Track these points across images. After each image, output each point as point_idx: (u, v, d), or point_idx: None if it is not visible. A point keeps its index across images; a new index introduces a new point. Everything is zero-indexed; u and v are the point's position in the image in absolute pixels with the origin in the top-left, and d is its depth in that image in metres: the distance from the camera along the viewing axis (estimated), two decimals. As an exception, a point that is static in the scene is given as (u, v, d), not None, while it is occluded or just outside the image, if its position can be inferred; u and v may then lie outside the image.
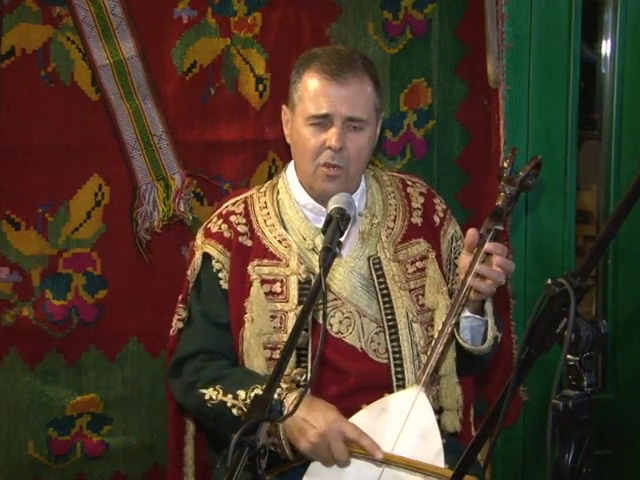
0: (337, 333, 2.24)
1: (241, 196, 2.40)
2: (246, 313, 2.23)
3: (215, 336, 2.27)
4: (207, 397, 2.18)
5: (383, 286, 2.27)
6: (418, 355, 2.24)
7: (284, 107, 2.35)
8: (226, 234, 2.31)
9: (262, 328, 2.22)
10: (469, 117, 2.86)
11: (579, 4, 2.90)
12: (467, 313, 2.19)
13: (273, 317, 2.24)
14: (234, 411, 2.13)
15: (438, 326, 2.21)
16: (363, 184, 2.36)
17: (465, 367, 2.31)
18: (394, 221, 2.35)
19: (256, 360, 2.21)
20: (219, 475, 2.32)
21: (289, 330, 2.20)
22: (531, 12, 2.86)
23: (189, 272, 2.33)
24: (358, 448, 2.02)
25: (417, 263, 2.33)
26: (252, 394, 2.11)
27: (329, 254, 1.84)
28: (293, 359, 2.17)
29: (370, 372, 2.23)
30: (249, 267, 2.27)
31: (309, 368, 2.19)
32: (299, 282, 2.24)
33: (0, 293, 2.56)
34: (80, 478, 2.69)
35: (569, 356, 1.48)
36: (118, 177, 2.60)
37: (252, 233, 2.31)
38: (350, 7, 2.72)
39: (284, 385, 2.11)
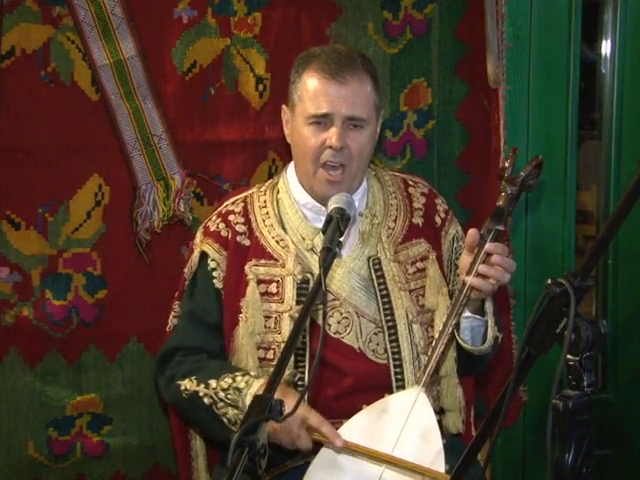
0: (335, 333, 2.24)
1: (241, 195, 2.40)
2: (241, 312, 2.24)
3: (199, 334, 2.29)
4: (182, 388, 2.21)
5: (383, 287, 2.27)
6: (418, 356, 2.24)
7: (284, 107, 2.35)
8: (223, 233, 2.31)
9: (255, 328, 2.23)
10: (469, 117, 2.86)
11: (579, 4, 2.90)
12: (467, 313, 2.19)
13: (267, 317, 2.24)
14: (205, 400, 2.16)
15: (438, 327, 2.21)
16: (364, 184, 2.36)
17: (465, 367, 2.31)
18: (395, 221, 2.35)
19: (247, 360, 2.22)
20: (218, 476, 2.32)
21: (283, 331, 2.21)
22: (531, 12, 2.86)
23: (186, 269, 2.36)
24: (320, 436, 2.04)
25: (417, 264, 2.33)
26: (222, 383, 2.14)
27: (329, 254, 1.84)
28: (291, 359, 2.17)
29: (369, 372, 2.23)
30: (246, 267, 2.27)
31: (307, 368, 2.20)
32: (295, 283, 2.24)
33: (0, 293, 2.56)
34: (80, 478, 2.69)
35: (569, 356, 1.48)
36: (118, 177, 2.60)
37: (251, 232, 2.31)
38: (350, 7, 2.72)
39: (253, 373, 2.14)
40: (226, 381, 2.15)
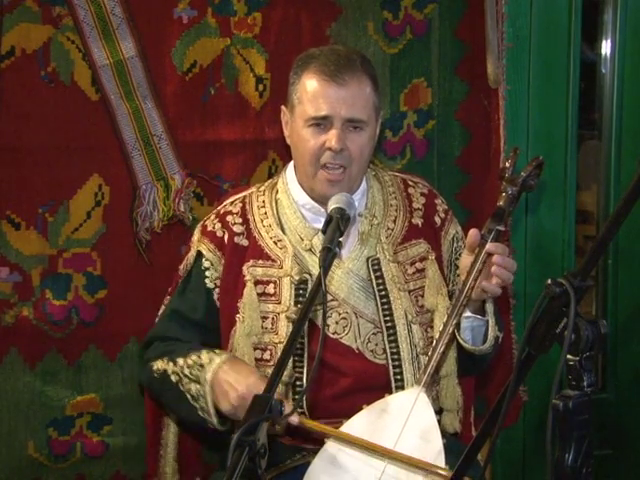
0: (333, 334, 2.24)
1: (240, 195, 2.40)
2: (238, 313, 2.24)
3: (180, 328, 2.32)
4: (155, 368, 2.26)
5: (381, 287, 2.27)
6: (417, 356, 2.24)
7: (283, 108, 2.35)
8: (219, 234, 2.32)
9: (252, 329, 2.23)
10: (469, 117, 2.86)
11: (579, 4, 2.90)
12: (468, 313, 2.19)
13: (264, 318, 2.24)
14: (172, 378, 2.20)
15: (438, 327, 2.21)
16: (364, 184, 2.36)
17: (466, 367, 2.31)
18: (394, 222, 2.35)
19: (244, 360, 2.21)
20: (217, 477, 2.32)
21: (280, 332, 2.22)
22: (531, 12, 2.86)
23: (181, 266, 2.37)
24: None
25: (417, 264, 2.32)
26: (188, 360, 2.18)
27: (329, 254, 1.84)
28: (290, 360, 2.17)
29: (367, 372, 2.23)
30: (244, 267, 2.28)
31: (305, 369, 2.20)
32: (292, 284, 2.24)
33: (0, 293, 2.56)
34: (80, 478, 2.69)
35: (569, 356, 1.48)
36: (118, 177, 2.60)
37: (249, 233, 2.31)
38: (350, 7, 2.72)
39: (217, 350, 2.19)
40: (192, 358, 2.18)
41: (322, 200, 2.25)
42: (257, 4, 2.64)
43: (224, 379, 2.09)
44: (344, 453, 2.05)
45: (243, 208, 2.36)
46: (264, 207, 2.35)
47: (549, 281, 1.48)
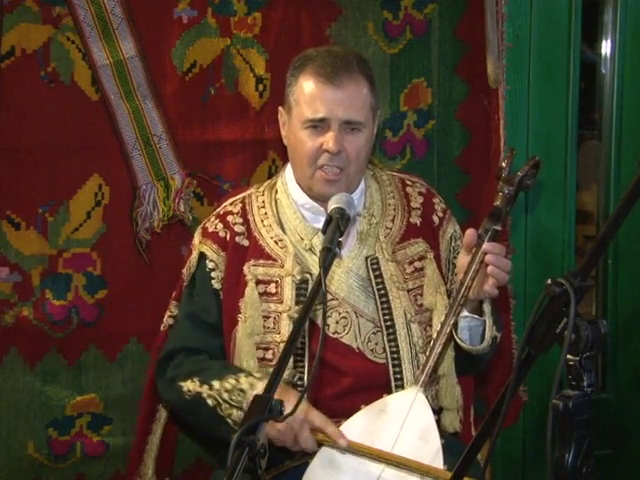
0: (334, 333, 2.24)
1: (239, 195, 2.40)
2: (240, 313, 2.24)
3: (199, 335, 2.29)
4: (185, 389, 2.21)
5: (381, 286, 2.27)
6: (417, 355, 2.24)
7: (280, 109, 2.35)
8: (221, 234, 2.31)
9: (254, 328, 2.23)
10: (469, 117, 2.86)
11: (579, 4, 2.90)
12: (465, 313, 2.19)
13: (266, 318, 2.24)
14: (209, 402, 2.16)
15: (436, 326, 2.21)
16: (362, 184, 2.36)
17: (464, 367, 2.31)
18: (393, 221, 2.35)
19: (247, 360, 2.22)
20: (218, 477, 2.32)
21: (282, 331, 2.22)
22: (531, 12, 2.86)
23: (185, 270, 2.36)
24: (324, 436, 2.05)
25: (415, 263, 2.33)
26: (225, 384, 2.14)
27: (329, 254, 1.84)
28: (290, 359, 2.17)
29: (367, 372, 2.23)
30: (245, 267, 2.27)
31: (306, 368, 2.20)
32: (294, 283, 2.24)
33: (0, 293, 2.56)
34: (80, 478, 2.69)
35: (569, 356, 1.48)
36: (118, 177, 2.60)
37: (249, 233, 2.31)
38: (350, 7, 2.72)
39: (257, 374, 2.15)
40: (230, 382, 2.15)
41: (321, 199, 2.25)
42: (257, 4, 2.64)
43: None
44: (343, 454, 2.05)
45: (243, 208, 2.36)
46: (264, 207, 2.35)
47: (549, 281, 1.48)
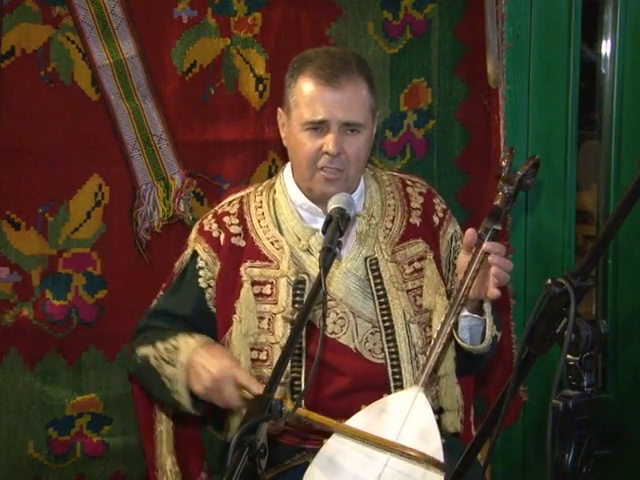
0: (331, 333, 2.24)
1: (238, 195, 2.41)
2: (235, 314, 2.24)
3: (168, 323, 2.32)
4: (139, 354, 2.29)
5: (380, 287, 2.27)
6: (416, 356, 2.24)
7: (279, 110, 2.35)
8: (215, 234, 2.32)
9: (249, 329, 2.23)
10: (469, 117, 2.86)
11: (579, 4, 2.90)
12: (465, 312, 2.19)
13: (261, 319, 2.25)
14: (152, 362, 2.22)
15: (436, 326, 2.21)
16: (362, 184, 2.36)
17: (464, 367, 2.31)
18: (392, 221, 2.35)
19: (240, 360, 2.22)
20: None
21: (276, 332, 2.22)
22: (531, 12, 2.86)
23: (177, 264, 2.38)
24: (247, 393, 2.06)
25: (415, 264, 2.32)
26: (167, 344, 2.20)
27: (329, 254, 1.84)
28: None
29: (366, 372, 2.23)
30: (241, 268, 2.28)
31: (303, 369, 2.20)
32: (289, 285, 2.24)
33: (0, 293, 2.56)
34: (80, 478, 2.69)
35: (569, 356, 1.48)
36: (118, 177, 2.60)
37: (246, 233, 2.32)
38: (350, 7, 2.72)
39: (196, 335, 2.20)
40: (170, 342, 2.21)
41: (320, 200, 2.25)
42: (257, 4, 2.64)
43: (198, 362, 2.11)
44: (343, 454, 2.05)
45: (240, 209, 2.36)
46: (261, 207, 2.35)
47: (549, 281, 1.48)
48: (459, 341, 2.21)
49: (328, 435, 2.08)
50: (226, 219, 2.34)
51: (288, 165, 2.38)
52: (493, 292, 2.11)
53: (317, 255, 1.99)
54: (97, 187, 2.59)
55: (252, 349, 2.24)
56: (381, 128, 2.76)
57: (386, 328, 2.25)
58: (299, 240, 2.29)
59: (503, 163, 2.20)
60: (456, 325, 2.19)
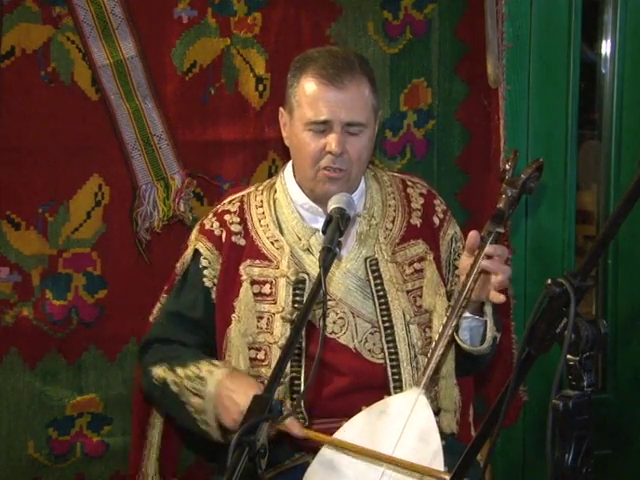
0: (331, 333, 2.24)
1: (238, 194, 2.41)
2: (234, 312, 2.24)
3: (179, 329, 2.32)
4: (154, 374, 2.26)
5: (380, 287, 2.27)
6: (415, 356, 2.24)
7: (281, 110, 2.35)
8: (217, 232, 2.32)
9: (248, 328, 2.23)
10: (469, 117, 2.86)
11: (579, 4, 2.90)
12: (466, 313, 2.19)
13: (260, 318, 2.24)
14: (172, 388, 2.20)
15: (436, 328, 2.21)
16: (363, 185, 2.36)
17: (464, 367, 2.31)
18: (393, 222, 2.35)
19: (238, 360, 2.22)
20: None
21: (275, 332, 2.22)
22: (531, 12, 2.86)
23: (178, 265, 2.37)
24: (282, 426, 2.03)
25: (415, 264, 2.32)
26: (188, 371, 2.17)
27: (329, 254, 1.84)
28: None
29: (365, 372, 2.23)
30: (241, 267, 2.28)
31: (303, 369, 2.19)
32: (288, 284, 2.24)
33: (0, 293, 2.56)
34: (80, 478, 2.69)
35: (569, 356, 1.48)
36: (118, 177, 2.60)
37: (246, 232, 2.32)
38: (350, 7, 2.72)
39: (217, 362, 2.18)
40: (191, 369, 2.18)
41: (321, 200, 2.25)
42: (257, 4, 2.64)
43: (226, 394, 2.09)
44: (343, 454, 2.05)
45: (241, 207, 2.36)
46: (262, 207, 2.35)
47: (549, 281, 1.48)
48: (459, 342, 2.21)
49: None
50: (227, 217, 2.34)
51: (289, 165, 2.38)
52: (498, 297, 2.10)
53: (317, 255, 1.99)
54: (97, 187, 2.59)
55: (250, 348, 2.24)
56: (381, 128, 2.76)
57: (386, 328, 2.25)
58: (299, 240, 2.29)
59: (507, 166, 2.19)
60: (457, 327, 2.19)
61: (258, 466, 1.52)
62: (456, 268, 2.31)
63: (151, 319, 2.42)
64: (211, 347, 2.28)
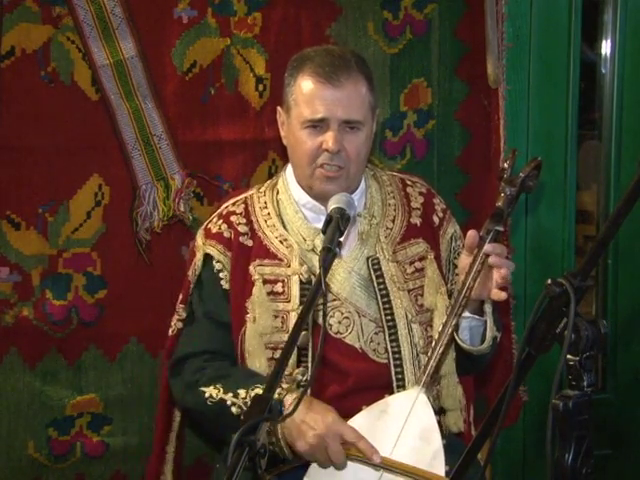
0: (336, 333, 2.24)
1: (241, 196, 2.40)
2: (248, 313, 2.23)
3: (218, 336, 2.27)
4: (207, 395, 2.17)
5: (382, 286, 2.27)
6: (418, 355, 2.24)
7: (279, 109, 2.35)
8: (226, 234, 2.30)
9: (264, 328, 2.21)
10: (469, 117, 2.86)
11: (579, 4, 2.90)
12: (466, 313, 2.19)
13: (275, 317, 2.23)
14: (233, 409, 2.13)
15: (437, 327, 2.21)
16: (362, 184, 2.36)
17: (464, 367, 2.31)
18: (393, 221, 2.35)
19: (257, 360, 2.21)
20: (219, 475, 2.32)
21: (290, 330, 2.19)
22: (531, 12, 2.86)
23: (190, 272, 2.33)
24: (356, 451, 2.02)
25: (416, 263, 2.32)
26: (252, 393, 2.11)
27: (329, 254, 1.84)
28: (294, 359, 2.17)
29: (370, 372, 2.22)
30: (251, 267, 2.26)
31: (309, 368, 2.19)
32: (301, 282, 2.24)
33: (0, 293, 2.56)
34: (80, 478, 2.69)
35: (569, 356, 1.48)
36: (118, 177, 2.60)
37: (253, 233, 2.31)
38: (350, 7, 2.72)
39: (284, 385, 2.11)
40: (257, 392, 2.10)
41: (321, 198, 2.25)
42: (257, 4, 2.64)
43: (299, 418, 2.03)
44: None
45: (246, 209, 2.34)
46: (266, 208, 2.34)
47: (549, 281, 1.48)
48: (459, 342, 2.21)
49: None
50: (233, 218, 2.33)
51: (289, 165, 2.38)
52: (500, 294, 2.10)
53: (320, 256, 1.98)
54: (97, 187, 2.59)
55: (267, 348, 2.21)
56: (381, 128, 2.76)
57: (389, 328, 2.25)
58: (304, 240, 2.29)
59: (505, 165, 2.19)
60: (457, 326, 2.19)
61: (258, 466, 1.52)
62: (456, 267, 2.31)
63: (170, 332, 2.35)
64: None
